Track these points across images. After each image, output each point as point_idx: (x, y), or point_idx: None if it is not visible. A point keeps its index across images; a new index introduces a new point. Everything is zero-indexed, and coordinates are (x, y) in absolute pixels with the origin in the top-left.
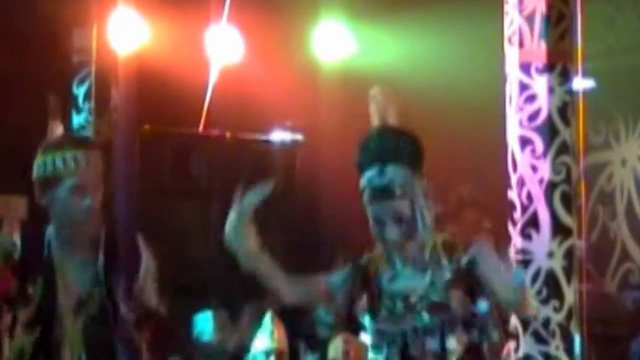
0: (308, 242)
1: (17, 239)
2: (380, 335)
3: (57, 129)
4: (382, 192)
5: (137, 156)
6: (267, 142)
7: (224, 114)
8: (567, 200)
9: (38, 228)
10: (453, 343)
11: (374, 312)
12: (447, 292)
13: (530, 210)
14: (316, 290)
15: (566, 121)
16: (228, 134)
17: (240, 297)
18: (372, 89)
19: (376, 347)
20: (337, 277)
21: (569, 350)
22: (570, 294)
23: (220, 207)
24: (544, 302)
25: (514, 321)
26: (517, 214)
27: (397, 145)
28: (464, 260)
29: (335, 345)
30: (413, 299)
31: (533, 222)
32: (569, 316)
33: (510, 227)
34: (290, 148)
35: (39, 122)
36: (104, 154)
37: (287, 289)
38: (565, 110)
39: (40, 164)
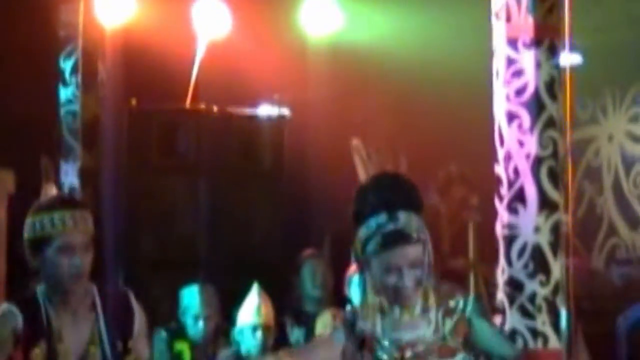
0: (296, 216)
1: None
2: None
3: (50, 191)
4: (398, 237)
5: (124, 131)
6: (255, 117)
7: (212, 88)
8: (554, 175)
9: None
10: None
11: None
12: (452, 338)
13: (517, 185)
14: None
15: (553, 96)
16: (216, 109)
17: (228, 272)
18: (353, 141)
19: None
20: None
21: (556, 324)
22: (556, 268)
23: (208, 182)
24: (531, 276)
25: (500, 296)
26: (504, 189)
27: (403, 191)
28: (468, 306)
29: (323, 320)
30: (421, 347)
31: (520, 197)
32: (555, 291)
33: (497, 202)
34: (278, 123)
35: (24, 97)
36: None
37: None
38: (552, 86)
39: (31, 224)
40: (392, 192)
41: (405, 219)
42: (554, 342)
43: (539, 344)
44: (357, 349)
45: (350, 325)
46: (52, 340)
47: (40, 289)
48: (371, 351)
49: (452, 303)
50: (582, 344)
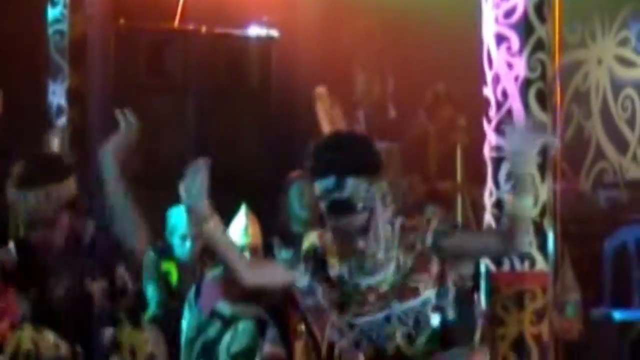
0: (283, 137)
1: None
2: (351, 328)
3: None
4: (343, 207)
5: (111, 50)
6: (244, 37)
7: (200, 8)
8: (542, 98)
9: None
10: (425, 326)
11: (342, 307)
12: (415, 276)
13: (505, 107)
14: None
15: (542, 18)
16: (204, 29)
17: (214, 192)
18: (317, 89)
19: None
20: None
21: (542, 247)
22: (544, 191)
23: (195, 102)
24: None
25: (488, 218)
26: (492, 111)
27: (356, 156)
28: (429, 239)
29: (310, 240)
30: (383, 289)
31: (508, 119)
32: (542, 213)
33: (485, 124)
34: (266, 44)
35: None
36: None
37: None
38: (541, 8)
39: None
40: (344, 155)
41: (353, 187)
42: (540, 264)
43: (526, 266)
44: (319, 282)
45: (314, 261)
46: (45, 285)
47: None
48: (335, 287)
49: (411, 238)
50: (568, 267)
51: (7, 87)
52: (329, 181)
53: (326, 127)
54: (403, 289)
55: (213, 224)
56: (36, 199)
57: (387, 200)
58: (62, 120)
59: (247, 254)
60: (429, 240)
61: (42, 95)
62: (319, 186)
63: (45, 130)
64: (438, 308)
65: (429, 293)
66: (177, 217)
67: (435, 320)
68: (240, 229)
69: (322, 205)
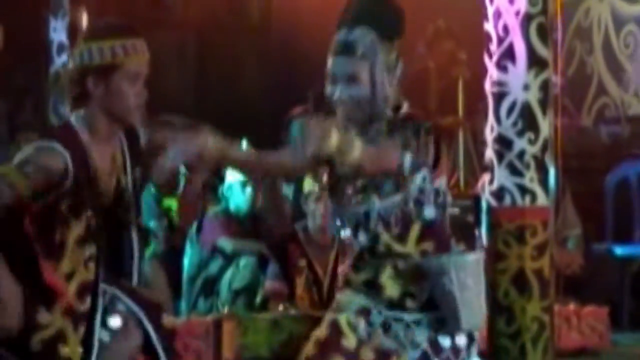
0: (285, 73)
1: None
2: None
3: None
4: (343, 48)
5: None
6: None
7: None
8: (544, 33)
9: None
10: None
11: (335, 192)
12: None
13: (506, 42)
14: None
15: None
16: None
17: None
18: None
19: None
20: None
21: (544, 182)
22: (545, 126)
23: (196, 37)
24: (520, 134)
25: (489, 153)
26: (493, 46)
27: (373, 10)
28: (426, 125)
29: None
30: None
31: (509, 54)
32: (544, 148)
33: (486, 59)
34: None
35: None
36: None
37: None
38: None
39: (97, 50)
40: (360, 9)
41: (360, 35)
42: (542, 199)
43: (527, 201)
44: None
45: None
46: (94, 182)
47: (77, 119)
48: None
49: (417, 127)
50: (569, 201)
51: (7, 24)
52: (342, 31)
53: None
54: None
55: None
56: None
57: (392, 75)
58: (63, 57)
59: (250, 189)
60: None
61: (43, 32)
62: (334, 40)
63: (47, 68)
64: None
65: (413, 187)
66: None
67: (429, 212)
68: None
69: (330, 63)
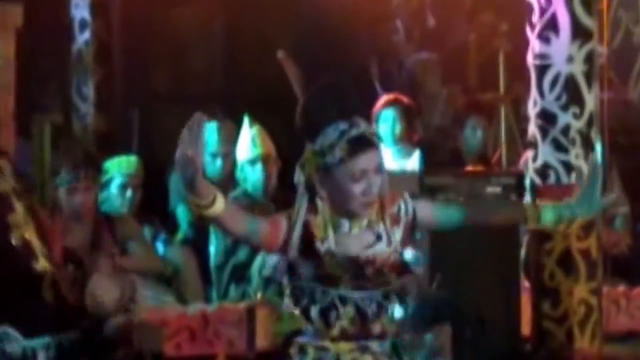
0: (315, 50)
1: None
2: (342, 301)
3: None
4: (364, 142)
5: None
6: None
7: None
8: (588, 2)
9: None
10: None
11: (333, 279)
12: (403, 250)
13: (549, 13)
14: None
15: None
16: None
17: (247, 107)
18: (278, 54)
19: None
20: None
21: (590, 158)
22: (590, 100)
23: (224, 12)
24: (564, 108)
25: (532, 129)
26: (535, 17)
27: (356, 97)
28: (410, 207)
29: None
30: (379, 263)
31: (552, 25)
32: (589, 123)
33: (528, 31)
34: None
35: None
36: None
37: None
38: None
39: None
40: (347, 99)
41: (364, 124)
42: None
43: (573, 178)
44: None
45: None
46: None
47: None
48: (324, 267)
49: (395, 209)
50: (616, 179)
51: (27, 0)
52: (342, 124)
53: (298, 88)
54: (396, 262)
55: (214, 210)
56: None
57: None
58: (85, 35)
59: (260, 165)
60: (409, 208)
61: (65, 8)
62: (329, 134)
63: (69, 46)
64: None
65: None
66: (208, 134)
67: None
68: (247, 141)
69: (338, 153)
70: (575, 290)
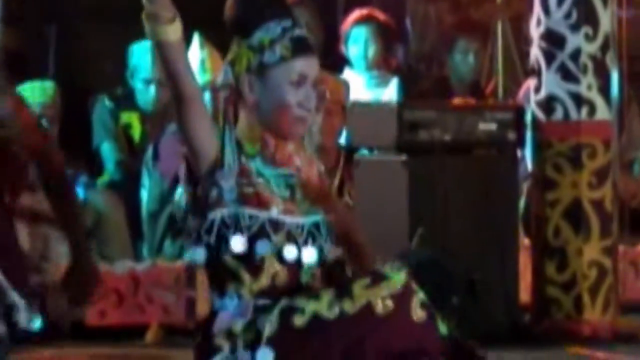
0: None
1: None
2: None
3: None
4: (307, 44)
5: None
6: None
7: None
8: None
9: None
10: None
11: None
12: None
13: None
14: None
15: None
16: None
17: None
18: None
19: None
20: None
21: (604, 90)
22: (606, 18)
23: None
24: (574, 28)
25: (535, 53)
26: None
27: None
28: None
29: None
30: (295, 184)
31: None
32: (604, 47)
33: None
34: None
35: None
36: None
37: None
38: None
39: None
40: None
41: (304, 28)
42: (602, 112)
43: (583, 113)
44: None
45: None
46: None
47: None
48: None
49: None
50: (636, 114)
51: None
52: (286, 21)
53: None
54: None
55: (172, 30)
56: None
57: None
58: None
59: (208, 94)
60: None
61: None
62: (271, 30)
63: None
64: None
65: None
66: (141, 56)
67: None
68: (196, 65)
69: (279, 51)
70: (586, 249)
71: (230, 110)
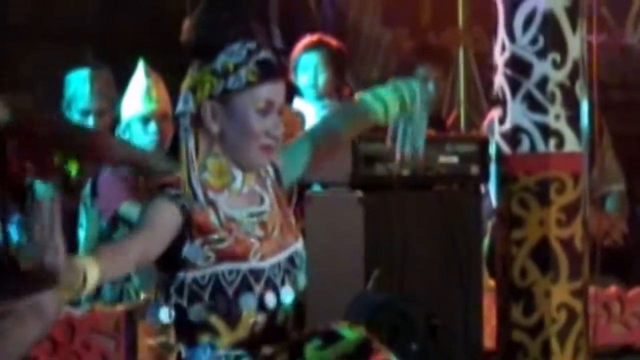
0: None
1: None
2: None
3: None
4: (274, 69)
5: None
6: None
7: None
8: None
9: None
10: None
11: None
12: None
13: None
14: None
15: None
16: None
17: (129, 48)
18: None
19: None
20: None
21: (573, 120)
22: (575, 44)
23: None
24: (540, 54)
25: (499, 81)
26: None
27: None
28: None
29: None
30: (270, 226)
31: None
32: (573, 75)
33: None
34: None
35: None
36: None
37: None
38: None
39: None
40: (249, 15)
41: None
42: (571, 144)
43: (551, 145)
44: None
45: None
46: None
47: None
48: (205, 231)
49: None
50: (609, 147)
51: None
52: (250, 43)
53: None
54: (285, 224)
55: (92, 276)
56: None
57: None
58: None
59: (153, 124)
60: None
61: None
62: (235, 53)
63: None
64: None
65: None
66: (77, 86)
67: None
68: (140, 93)
69: (245, 75)
70: (554, 291)
71: (191, 140)
